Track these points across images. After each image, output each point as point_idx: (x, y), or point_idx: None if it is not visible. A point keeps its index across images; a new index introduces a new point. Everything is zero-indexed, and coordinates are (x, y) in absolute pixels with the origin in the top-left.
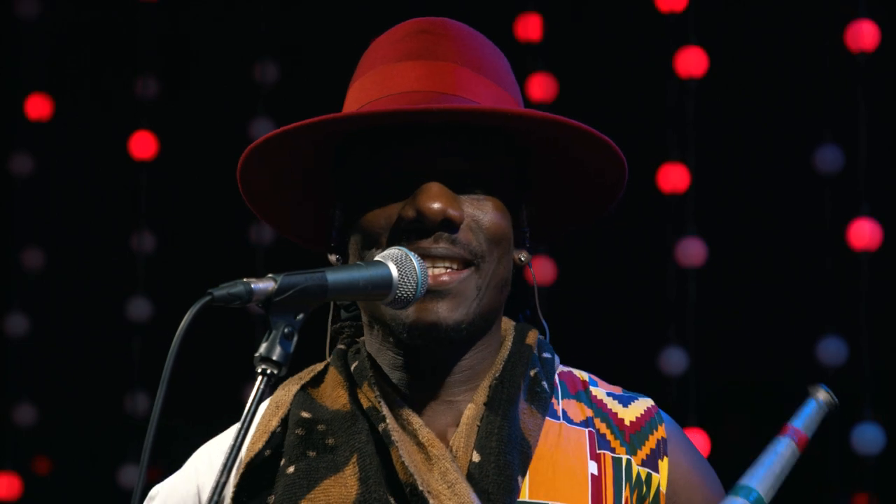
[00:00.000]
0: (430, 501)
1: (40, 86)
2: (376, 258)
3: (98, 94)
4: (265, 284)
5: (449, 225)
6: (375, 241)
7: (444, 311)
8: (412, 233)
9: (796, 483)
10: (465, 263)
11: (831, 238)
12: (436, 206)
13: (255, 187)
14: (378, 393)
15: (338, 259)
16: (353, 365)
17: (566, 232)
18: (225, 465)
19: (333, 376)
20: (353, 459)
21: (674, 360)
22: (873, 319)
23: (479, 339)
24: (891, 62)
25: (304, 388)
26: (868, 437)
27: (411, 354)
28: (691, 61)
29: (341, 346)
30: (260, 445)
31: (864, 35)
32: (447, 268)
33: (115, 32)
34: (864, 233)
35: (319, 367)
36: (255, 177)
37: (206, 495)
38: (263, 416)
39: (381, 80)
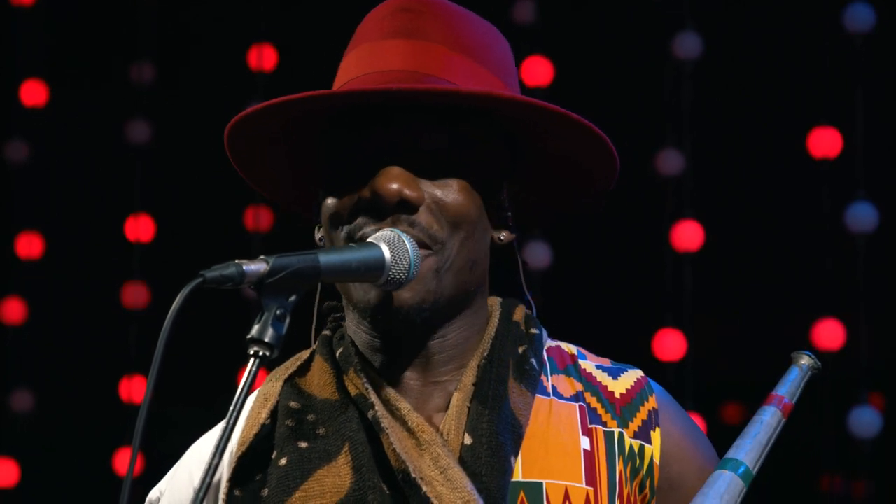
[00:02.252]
0: (423, 488)
1: (36, 72)
2: (369, 239)
3: (94, 80)
4: (257, 266)
5: (406, 206)
6: (340, 222)
7: (404, 294)
8: (370, 213)
9: (793, 467)
10: (423, 247)
11: (828, 221)
12: (392, 186)
13: (245, 158)
14: (365, 379)
15: (321, 239)
16: (339, 351)
17: (561, 216)
18: (217, 446)
19: (320, 364)
20: (345, 448)
21: (670, 344)
22: (870, 304)
23: (455, 318)
24: (888, 45)
25: (291, 377)
26: (865, 421)
27: (386, 337)
28: (687, 45)
29: (326, 333)
30: (250, 438)
31: (860, 17)
32: None
33: (110, 18)
34: (860, 216)
35: (305, 354)
36: (244, 149)
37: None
38: (252, 409)
39: (362, 59)
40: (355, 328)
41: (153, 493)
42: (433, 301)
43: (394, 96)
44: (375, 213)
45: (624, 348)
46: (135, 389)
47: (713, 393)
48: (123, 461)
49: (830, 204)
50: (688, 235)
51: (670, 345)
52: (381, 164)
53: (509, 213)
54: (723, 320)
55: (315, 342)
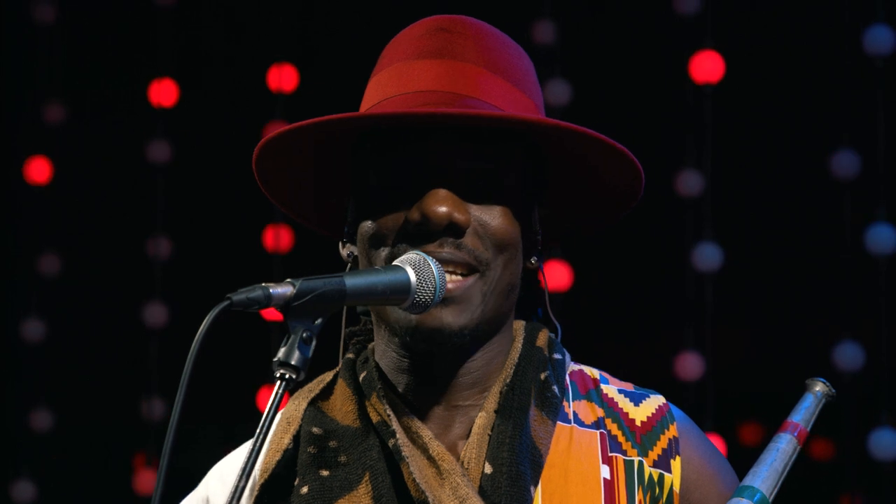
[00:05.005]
0: None
1: (57, 91)
2: (394, 262)
3: (114, 99)
4: (284, 289)
5: (454, 229)
6: (382, 242)
7: (448, 317)
8: (417, 236)
9: (813, 489)
10: (469, 269)
11: (848, 242)
12: (441, 209)
13: (270, 175)
14: (387, 405)
15: (349, 255)
16: (362, 375)
17: (580, 235)
18: (244, 468)
19: (342, 388)
20: (366, 478)
21: (690, 365)
22: (891, 324)
23: (487, 342)
24: None
25: (313, 401)
26: (885, 443)
27: (416, 358)
28: (707, 65)
29: (350, 356)
30: (273, 465)
31: (880, 39)
32: (451, 272)
33: (131, 38)
34: (880, 238)
35: (329, 376)
36: (271, 166)
37: None
38: (275, 434)
39: (398, 78)
40: (384, 349)
41: None
42: (476, 324)
43: (442, 119)
44: (422, 236)
45: (644, 368)
46: (155, 408)
47: (733, 413)
48: (142, 480)
49: (851, 225)
50: (708, 256)
51: (690, 365)
52: (426, 186)
53: (539, 237)
54: (743, 340)
55: (341, 361)
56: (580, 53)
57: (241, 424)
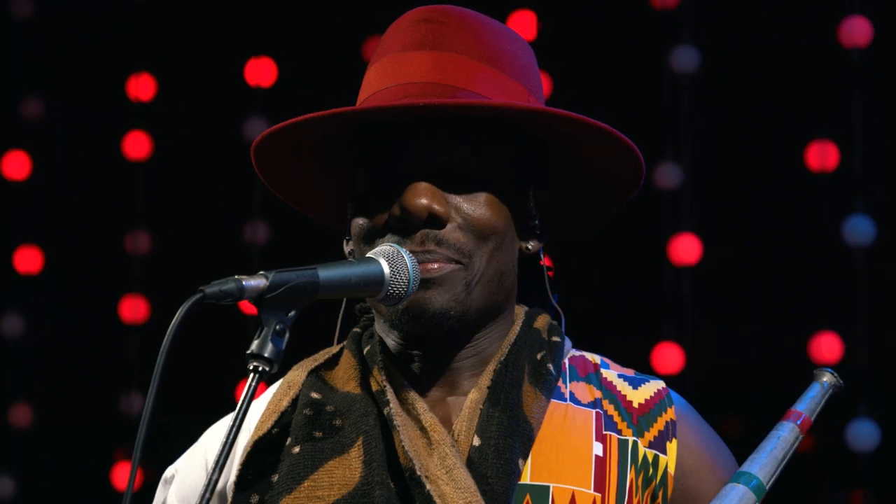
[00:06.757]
0: (427, 486)
1: (35, 86)
2: (368, 254)
3: (93, 94)
4: (256, 282)
5: (435, 221)
6: (371, 239)
7: (431, 297)
8: (400, 230)
9: (792, 480)
10: (451, 262)
11: (826, 235)
12: (420, 202)
13: (277, 177)
14: (386, 377)
15: (350, 252)
16: (366, 349)
17: (590, 223)
18: (217, 461)
19: (347, 359)
20: (359, 442)
21: (668, 358)
22: (868, 316)
23: (482, 329)
24: (884, 58)
25: (316, 369)
26: (863, 434)
27: (412, 342)
28: (685, 59)
29: (357, 329)
30: (269, 425)
31: (857, 31)
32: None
33: (110, 32)
34: (857, 230)
35: (335, 349)
36: (275, 167)
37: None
38: (275, 395)
39: (385, 71)
40: (387, 330)
41: (168, 472)
42: (461, 311)
43: (412, 112)
44: (405, 230)
45: (622, 361)
46: (134, 403)
47: (712, 406)
48: (122, 475)
49: (828, 217)
50: (686, 249)
51: (668, 358)
52: (409, 179)
53: (537, 222)
54: (721, 333)
55: (335, 343)
56: (559, 45)
57: (219, 417)
